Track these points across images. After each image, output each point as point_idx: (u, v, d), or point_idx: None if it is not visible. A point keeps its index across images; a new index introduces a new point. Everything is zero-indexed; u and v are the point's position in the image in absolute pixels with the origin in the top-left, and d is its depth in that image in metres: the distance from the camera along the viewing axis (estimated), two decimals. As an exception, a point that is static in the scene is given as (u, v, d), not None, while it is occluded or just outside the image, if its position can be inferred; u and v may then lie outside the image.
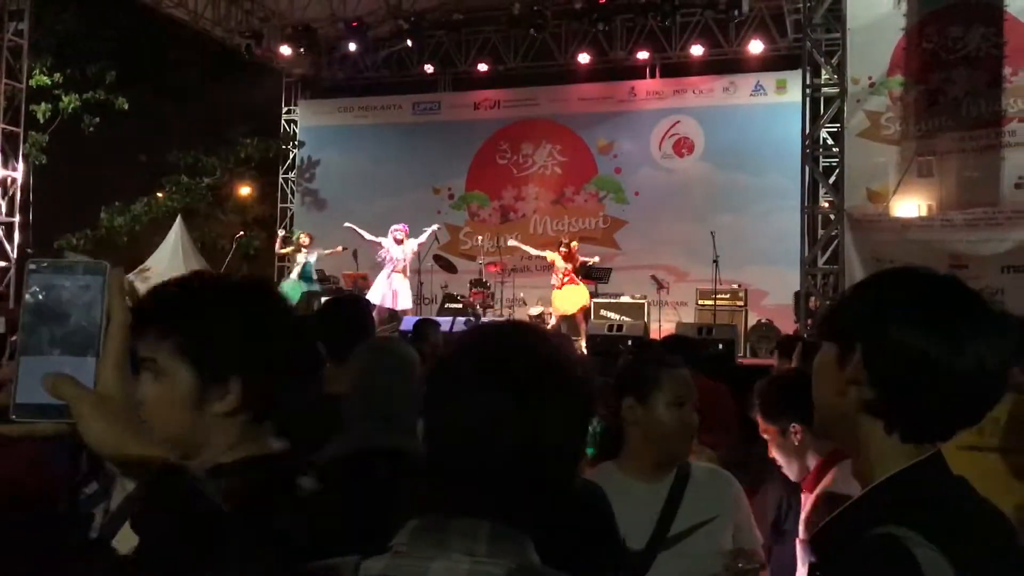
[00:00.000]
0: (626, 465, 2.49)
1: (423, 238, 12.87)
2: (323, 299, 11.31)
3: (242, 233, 15.65)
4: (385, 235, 12.67)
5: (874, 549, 1.22)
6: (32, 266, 0.99)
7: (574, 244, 12.64)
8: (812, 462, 2.73)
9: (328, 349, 3.33)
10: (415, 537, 1.14)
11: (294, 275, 13.19)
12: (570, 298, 12.34)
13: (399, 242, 12.54)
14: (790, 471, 2.82)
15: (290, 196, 17.42)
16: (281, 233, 14.45)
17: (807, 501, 2.71)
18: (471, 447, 1.13)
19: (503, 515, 1.13)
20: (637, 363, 2.61)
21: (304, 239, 13.45)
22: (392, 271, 12.52)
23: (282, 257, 14.29)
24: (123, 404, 0.98)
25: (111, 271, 0.99)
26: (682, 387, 2.46)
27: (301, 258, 13.18)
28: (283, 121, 17.50)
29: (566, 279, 12.32)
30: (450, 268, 13.57)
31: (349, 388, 2.49)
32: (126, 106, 16.20)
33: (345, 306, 3.96)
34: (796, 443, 2.76)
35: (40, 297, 0.98)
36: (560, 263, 12.36)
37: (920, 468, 1.29)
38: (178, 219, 16.78)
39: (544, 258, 12.75)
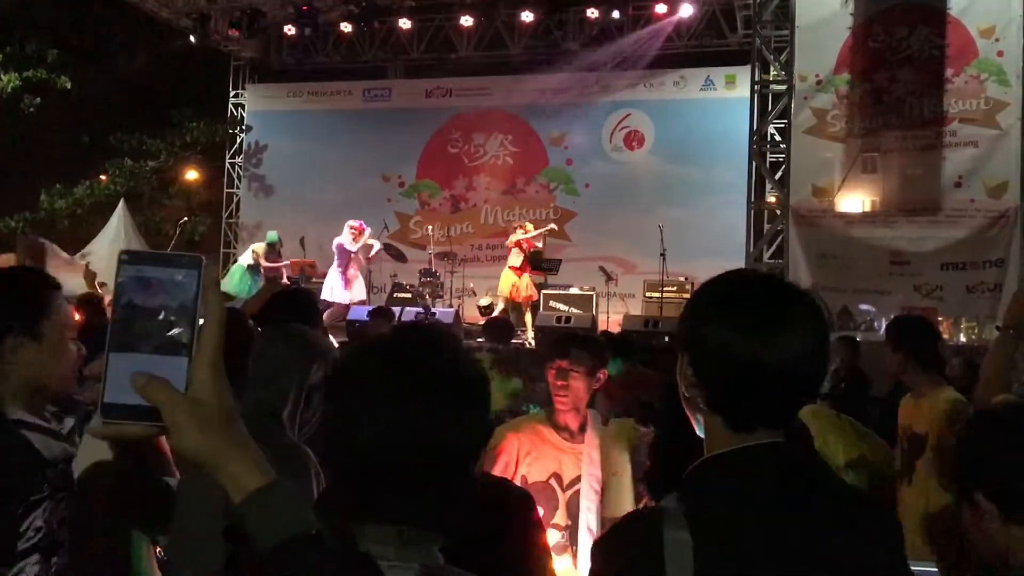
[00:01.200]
0: None
1: (377, 246, 12.81)
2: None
3: (186, 219, 15.36)
4: (339, 229, 12.64)
5: (636, 522, 1.39)
6: (124, 256, 0.93)
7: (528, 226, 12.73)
8: None
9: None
10: None
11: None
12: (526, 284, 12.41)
13: (355, 238, 12.47)
14: None
15: (237, 181, 17.16)
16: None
17: None
18: (373, 452, 1.14)
19: (410, 518, 1.15)
20: None
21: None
22: (346, 264, 12.44)
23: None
24: (219, 411, 0.92)
25: (207, 265, 0.93)
26: None
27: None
28: (230, 105, 17.22)
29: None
30: (400, 257, 13.49)
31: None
32: (68, 86, 15.80)
33: (285, 298, 3.93)
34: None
35: (131, 290, 0.92)
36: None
37: (736, 453, 1.36)
38: (121, 203, 16.42)
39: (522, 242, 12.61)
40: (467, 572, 1.15)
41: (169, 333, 0.91)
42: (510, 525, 2.11)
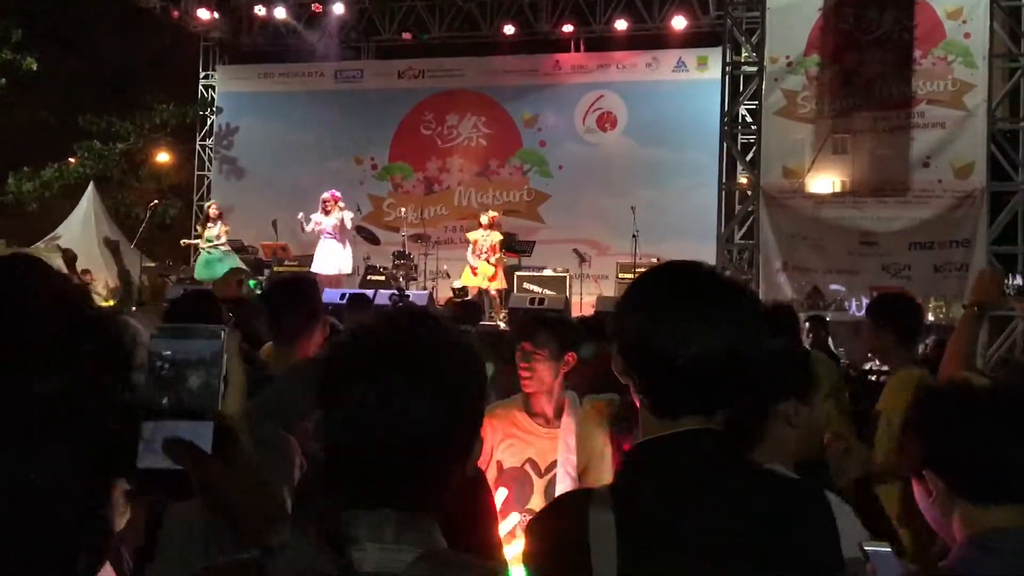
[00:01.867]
0: None
1: (348, 222, 12.65)
2: (247, 275, 11.11)
3: (156, 201, 15.19)
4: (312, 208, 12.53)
5: (564, 505, 1.46)
6: (154, 331, 1.02)
7: (493, 215, 12.69)
8: None
9: (273, 332, 3.22)
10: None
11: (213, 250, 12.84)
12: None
13: (327, 212, 12.39)
14: None
15: (207, 164, 17.00)
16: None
17: None
18: (367, 439, 1.14)
19: (407, 503, 1.15)
20: None
21: (213, 210, 13.08)
22: (325, 239, 12.40)
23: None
24: (248, 468, 1.01)
25: (228, 335, 1.02)
26: None
27: (212, 230, 12.81)
28: (200, 86, 17.03)
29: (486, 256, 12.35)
30: (373, 240, 13.44)
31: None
32: (35, 67, 15.55)
33: (292, 287, 3.74)
34: None
35: (159, 361, 1.01)
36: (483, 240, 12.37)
37: (660, 439, 1.40)
38: (90, 186, 16.23)
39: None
40: (470, 555, 1.16)
41: (196, 399, 1.00)
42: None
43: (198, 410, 0.99)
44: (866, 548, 1.43)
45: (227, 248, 12.79)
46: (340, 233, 12.45)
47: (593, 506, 1.35)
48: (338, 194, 12.57)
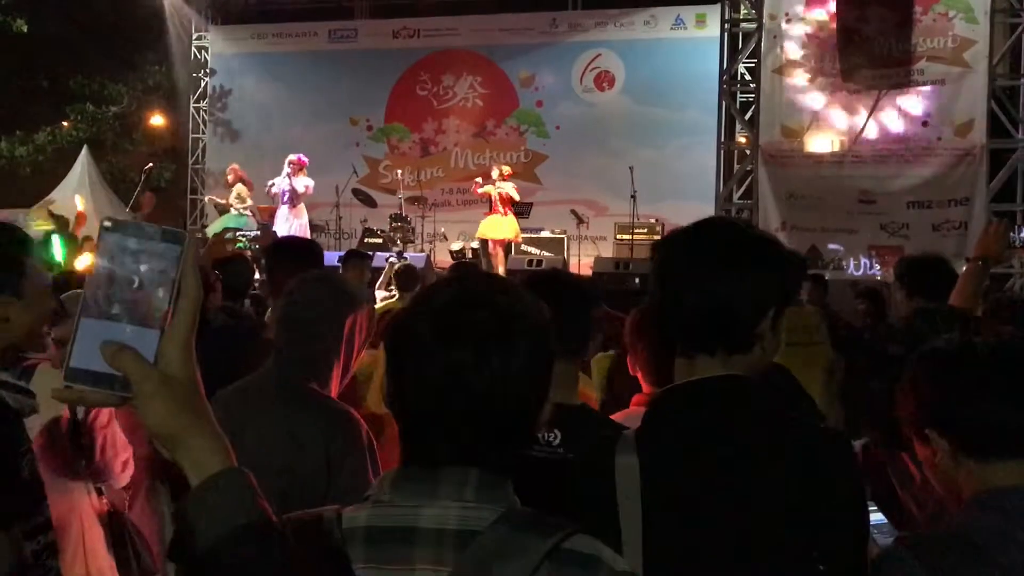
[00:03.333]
0: None
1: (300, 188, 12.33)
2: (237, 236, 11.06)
3: (151, 165, 15.09)
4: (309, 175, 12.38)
5: (593, 450, 1.55)
6: (107, 224, 0.92)
7: (506, 170, 12.58)
8: None
9: (274, 293, 3.25)
10: (398, 487, 1.17)
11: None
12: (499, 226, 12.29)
13: (293, 174, 12.19)
14: None
15: (202, 126, 16.87)
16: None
17: None
18: (440, 399, 1.15)
19: (485, 462, 1.16)
20: None
21: (232, 176, 13.05)
22: (288, 206, 12.20)
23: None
24: (187, 388, 0.93)
25: (189, 241, 0.93)
26: None
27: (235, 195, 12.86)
28: (193, 48, 16.84)
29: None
30: (369, 202, 13.38)
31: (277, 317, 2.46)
32: (25, 28, 15.36)
33: (295, 249, 3.79)
34: None
35: (110, 258, 0.91)
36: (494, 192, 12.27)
37: (682, 387, 1.54)
38: (84, 150, 16.08)
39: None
40: (543, 514, 1.16)
41: (143, 305, 0.92)
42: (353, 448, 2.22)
43: (145, 316, 0.91)
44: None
45: (247, 211, 12.80)
46: (292, 199, 12.20)
47: (619, 450, 1.47)
48: (305, 160, 12.36)
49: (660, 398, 1.56)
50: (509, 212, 12.22)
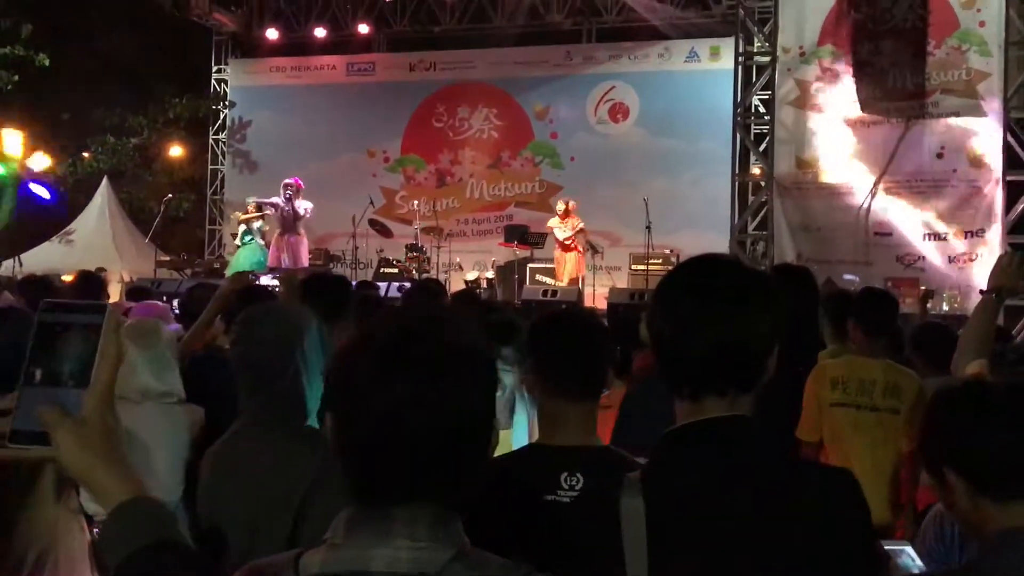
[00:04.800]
0: None
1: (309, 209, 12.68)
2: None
3: (171, 195, 15.27)
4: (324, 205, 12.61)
5: (598, 491, 1.53)
6: (43, 306, 1.09)
7: (571, 204, 12.82)
8: None
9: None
10: (352, 528, 1.14)
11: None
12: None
13: (289, 199, 12.41)
14: None
15: (220, 158, 17.06)
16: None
17: None
18: (387, 435, 1.13)
19: (436, 498, 1.14)
20: None
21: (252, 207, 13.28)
22: (284, 230, 12.49)
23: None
24: (100, 431, 1.07)
25: (110, 312, 1.09)
26: None
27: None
28: (213, 80, 17.07)
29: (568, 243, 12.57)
30: (385, 232, 13.47)
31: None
32: (47, 62, 15.60)
33: (322, 285, 3.83)
34: None
35: (44, 334, 1.08)
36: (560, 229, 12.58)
37: (687, 427, 1.48)
38: (104, 180, 16.32)
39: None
40: (494, 555, 1.15)
41: (75, 369, 1.08)
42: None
43: (77, 379, 1.07)
44: (887, 548, 1.45)
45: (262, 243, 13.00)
46: (293, 222, 12.50)
47: (625, 493, 1.42)
48: (301, 183, 12.69)
49: (667, 438, 1.51)
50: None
